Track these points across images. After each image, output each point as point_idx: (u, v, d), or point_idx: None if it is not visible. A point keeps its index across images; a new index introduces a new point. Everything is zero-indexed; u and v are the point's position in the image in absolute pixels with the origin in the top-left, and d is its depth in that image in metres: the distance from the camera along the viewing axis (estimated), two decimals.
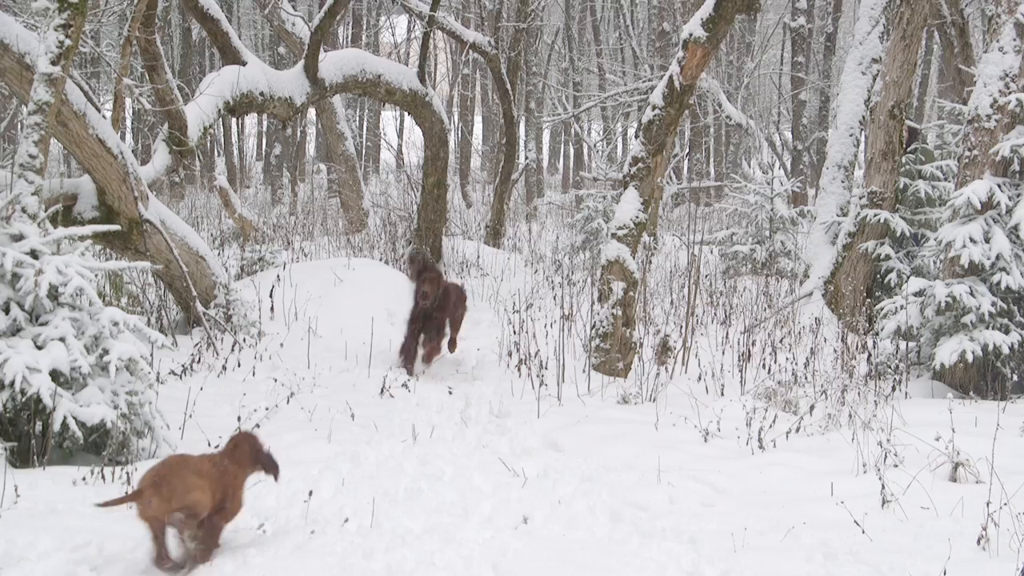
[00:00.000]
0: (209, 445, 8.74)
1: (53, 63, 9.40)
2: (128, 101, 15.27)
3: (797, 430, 9.75)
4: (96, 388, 8.09)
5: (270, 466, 6.78)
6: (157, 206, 13.42)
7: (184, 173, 31.97)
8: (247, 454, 6.66)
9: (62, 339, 8.03)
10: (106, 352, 8.22)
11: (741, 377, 12.36)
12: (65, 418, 7.78)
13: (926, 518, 7.06)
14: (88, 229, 9.14)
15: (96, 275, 8.79)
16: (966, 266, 11.62)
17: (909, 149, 17.11)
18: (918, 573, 5.78)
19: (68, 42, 9.49)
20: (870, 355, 12.91)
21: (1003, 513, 6.43)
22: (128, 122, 38.83)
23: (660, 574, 6.10)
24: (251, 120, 54.28)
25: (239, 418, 9.40)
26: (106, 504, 6.06)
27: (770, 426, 9.68)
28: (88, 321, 8.32)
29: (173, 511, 5.96)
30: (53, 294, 8.22)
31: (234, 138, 47.26)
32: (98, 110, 12.49)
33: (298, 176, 39.21)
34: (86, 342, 8.23)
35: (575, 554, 6.44)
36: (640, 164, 12.92)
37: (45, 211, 8.94)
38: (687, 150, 39.24)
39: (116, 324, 8.39)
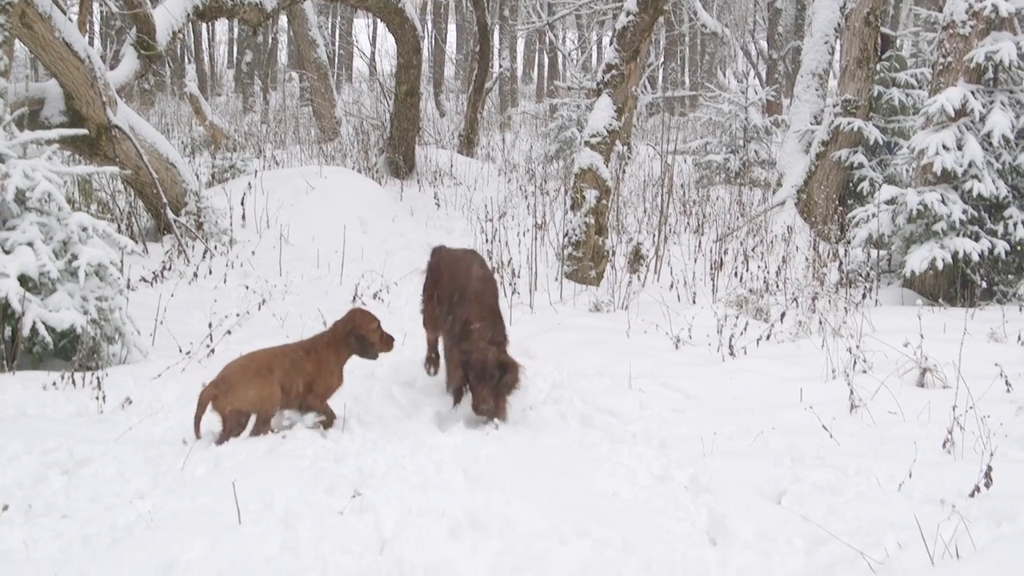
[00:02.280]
0: (180, 351, 8.73)
1: None
2: (95, 4, 15.03)
3: (768, 337, 9.80)
4: (65, 293, 8.04)
5: (365, 345, 7.03)
6: (126, 112, 13.26)
7: (154, 80, 31.66)
8: (339, 333, 7.03)
9: (30, 244, 7.95)
10: (75, 257, 8.16)
11: (713, 285, 12.40)
12: (34, 323, 7.74)
13: (893, 422, 7.11)
14: (55, 133, 9.01)
15: (64, 181, 8.71)
16: (938, 173, 11.62)
17: (884, 57, 17.06)
18: (884, 476, 5.82)
19: None
20: (841, 263, 12.96)
21: (968, 417, 6.48)
22: (96, 26, 38.33)
23: (630, 478, 6.12)
24: (222, 26, 53.66)
25: (210, 324, 9.37)
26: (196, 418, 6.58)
27: (741, 333, 9.72)
28: (56, 226, 8.24)
29: (233, 409, 6.55)
30: (20, 198, 8.13)
31: (204, 45, 46.71)
32: (64, 13, 12.29)
33: (270, 84, 38.83)
34: (55, 247, 8.16)
35: (546, 459, 6.47)
36: (614, 71, 12.83)
37: (10, 114, 8.80)
38: (662, 59, 39.00)
39: (85, 229, 8.31)
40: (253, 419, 6.64)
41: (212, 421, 6.65)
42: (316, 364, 6.93)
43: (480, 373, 7.24)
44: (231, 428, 6.55)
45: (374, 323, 7.08)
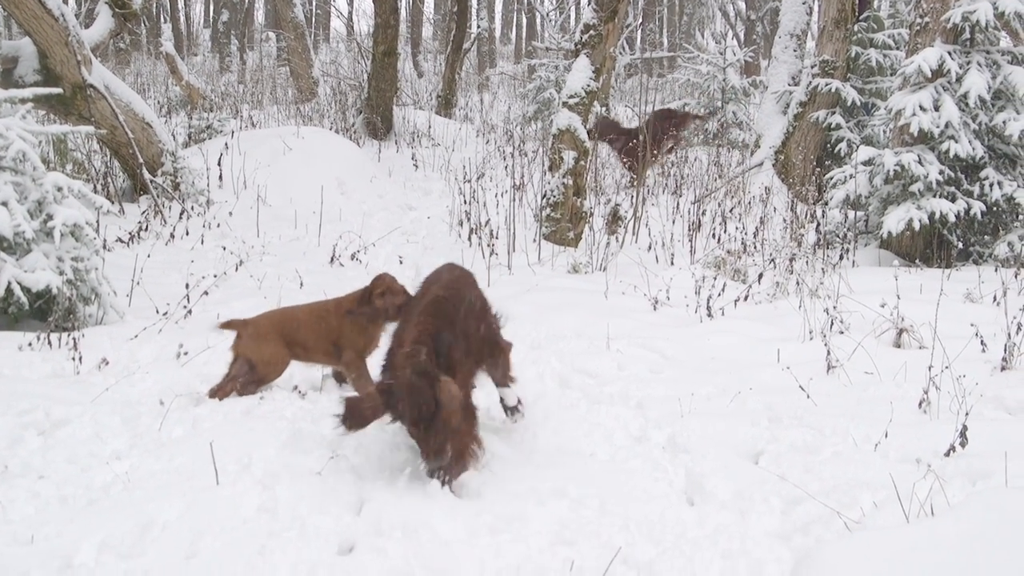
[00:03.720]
0: (157, 312, 8.71)
1: None
2: None
3: (745, 298, 9.82)
4: (41, 254, 8.00)
5: (374, 312, 6.93)
6: (101, 71, 13.16)
7: (129, 39, 31.39)
8: (364, 294, 6.99)
9: (4, 203, 7.90)
10: (50, 217, 8.12)
11: (691, 246, 12.41)
12: (9, 283, 7.71)
13: (870, 383, 7.15)
14: (29, 92, 8.93)
15: (39, 140, 8.65)
16: (915, 134, 11.64)
17: (861, 17, 17.04)
18: (860, 436, 5.85)
19: None
20: (819, 224, 12.97)
21: (944, 377, 6.52)
22: None
23: (608, 439, 6.14)
24: None
25: (187, 285, 9.34)
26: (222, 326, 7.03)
27: (719, 294, 9.74)
28: (31, 186, 8.19)
29: (247, 358, 6.85)
30: None
31: (180, 4, 46.33)
32: None
33: (246, 44, 38.58)
34: (29, 207, 8.11)
35: (524, 419, 6.48)
36: (592, 31, 12.78)
37: None
38: (640, 20, 38.88)
39: (60, 189, 8.26)
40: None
41: (192, 380, 6.66)
42: (341, 321, 6.94)
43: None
44: (235, 375, 6.84)
45: (380, 288, 6.92)
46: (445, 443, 5.05)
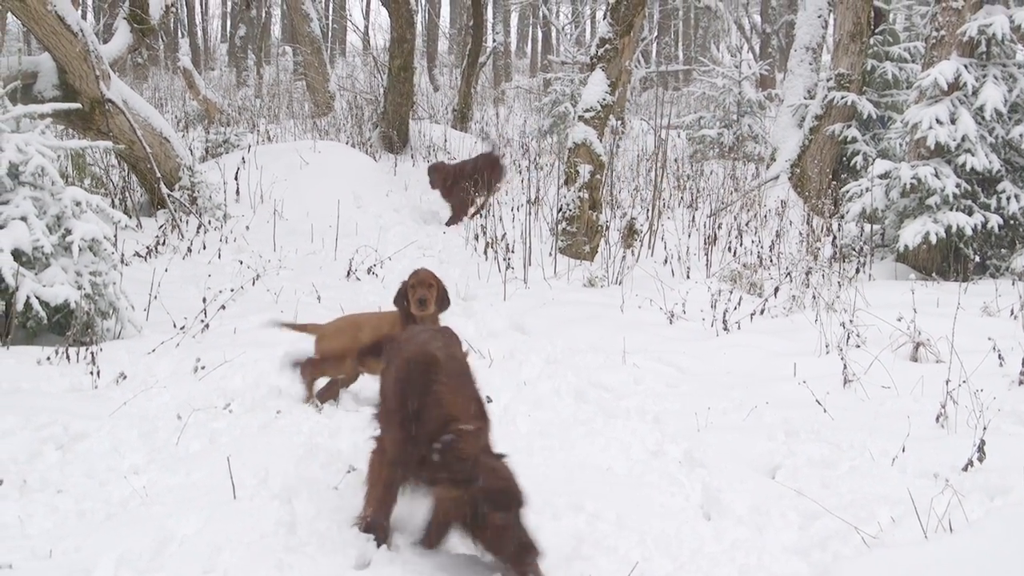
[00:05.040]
0: (174, 326, 8.73)
1: None
2: None
3: (762, 312, 9.81)
4: (59, 268, 8.03)
5: (403, 306, 7.05)
6: (120, 86, 13.22)
7: (147, 54, 31.54)
8: (401, 291, 7.14)
9: (24, 218, 7.94)
10: (69, 232, 8.15)
11: (707, 260, 12.41)
12: (28, 298, 7.74)
13: (887, 397, 7.13)
14: (48, 107, 8.96)
15: (58, 155, 8.70)
16: (932, 148, 11.63)
17: (877, 31, 17.04)
18: (878, 450, 5.84)
19: None
20: (835, 237, 12.96)
21: (962, 391, 6.50)
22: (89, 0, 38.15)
23: (624, 453, 6.14)
24: (215, 0, 53.46)
25: (204, 299, 9.36)
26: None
27: (735, 308, 9.73)
28: (50, 200, 8.23)
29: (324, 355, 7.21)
30: (14, 172, 8.11)
31: (198, 19, 46.55)
32: None
33: (263, 58, 38.68)
34: (48, 222, 8.15)
35: (540, 433, 6.49)
36: (608, 45, 12.79)
37: (3, 88, 8.76)
38: (655, 33, 38.91)
39: (79, 204, 8.30)
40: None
41: (210, 395, 6.69)
42: (394, 329, 6.89)
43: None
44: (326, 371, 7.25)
45: (412, 279, 7.03)
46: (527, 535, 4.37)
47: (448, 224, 14.90)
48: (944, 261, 11.84)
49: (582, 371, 8.00)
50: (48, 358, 7.60)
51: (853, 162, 16.38)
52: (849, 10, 16.48)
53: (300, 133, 21.52)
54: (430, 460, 4.31)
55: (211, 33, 54.11)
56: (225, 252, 12.31)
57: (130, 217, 11.79)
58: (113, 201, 13.66)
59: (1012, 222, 11.67)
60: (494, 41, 36.41)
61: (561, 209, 12.67)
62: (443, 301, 7.04)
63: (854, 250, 12.68)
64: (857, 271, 11.61)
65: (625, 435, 6.46)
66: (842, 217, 13.33)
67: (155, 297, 9.60)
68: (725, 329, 9.30)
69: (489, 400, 5.24)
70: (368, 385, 7.32)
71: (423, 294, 6.85)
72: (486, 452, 4.35)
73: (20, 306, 7.75)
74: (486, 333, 9.35)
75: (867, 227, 12.76)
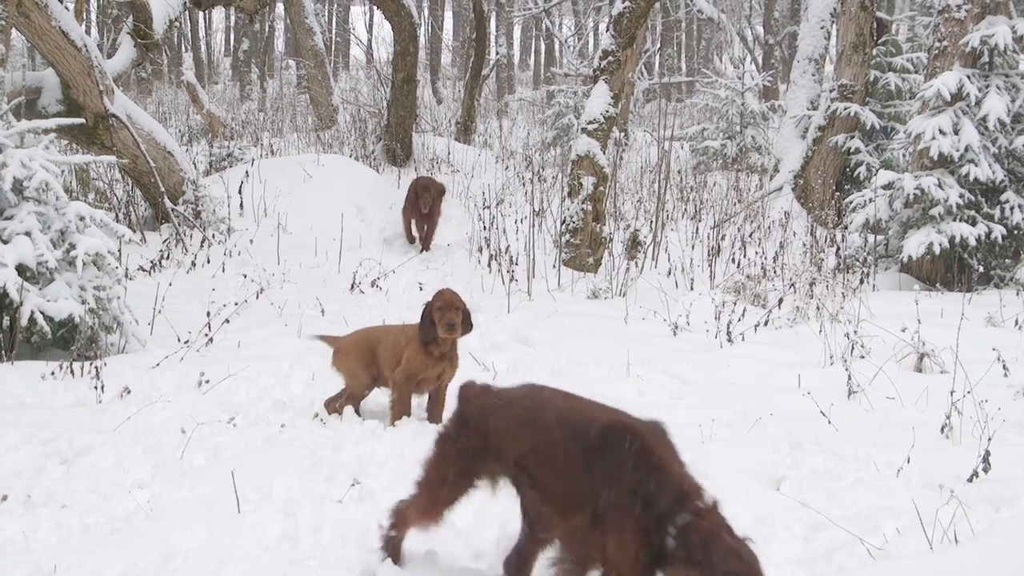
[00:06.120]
0: (179, 340, 8.74)
1: None
2: None
3: (765, 323, 9.81)
4: (63, 283, 8.04)
5: (426, 324, 6.88)
6: (123, 101, 13.25)
7: (151, 68, 31.57)
8: (425, 312, 6.93)
9: (28, 233, 7.95)
10: (73, 247, 8.16)
11: (711, 271, 12.40)
12: (33, 313, 7.75)
13: (891, 408, 7.13)
14: (52, 122, 9.00)
15: (62, 170, 8.70)
16: (935, 158, 11.63)
17: (879, 41, 17.04)
18: (882, 461, 5.83)
19: None
20: (839, 248, 12.97)
21: (966, 402, 6.49)
22: (92, 15, 38.20)
23: None
24: (218, 15, 53.61)
25: (208, 313, 9.37)
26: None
27: (739, 319, 9.74)
28: (54, 215, 8.24)
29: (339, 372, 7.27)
30: (18, 187, 8.13)
31: (201, 33, 46.67)
32: (61, 1, 12.27)
33: (267, 72, 38.76)
34: (52, 236, 8.17)
35: None
36: (611, 57, 12.81)
37: (7, 103, 8.79)
38: (658, 45, 38.93)
39: (83, 219, 8.31)
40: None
41: (214, 409, 6.68)
42: (410, 343, 6.93)
43: None
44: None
45: (438, 302, 6.82)
46: None
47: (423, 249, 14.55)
48: (948, 271, 11.84)
49: (586, 383, 7.98)
50: (52, 373, 7.61)
51: (856, 173, 16.37)
52: (851, 21, 16.49)
53: (304, 146, 21.56)
54: (663, 543, 3.74)
55: (215, 47, 54.23)
56: (229, 266, 12.33)
57: (134, 231, 11.79)
58: (117, 216, 13.68)
59: (1016, 232, 11.67)
60: (497, 54, 36.47)
61: (565, 221, 12.67)
62: (467, 324, 6.93)
63: (858, 261, 12.68)
64: (861, 282, 11.60)
65: None
66: (845, 228, 13.34)
67: (159, 311, 9.61)
68: (729, 340, 9.30)
69: None
70: (373, 397, 7.33)
71: (451, 318, 6.74)
72: (728, 532, 3.72)
73: (24, 321, 7.76)
74: (490, 345, 9.34)
75: (871, 238, 12.75)
